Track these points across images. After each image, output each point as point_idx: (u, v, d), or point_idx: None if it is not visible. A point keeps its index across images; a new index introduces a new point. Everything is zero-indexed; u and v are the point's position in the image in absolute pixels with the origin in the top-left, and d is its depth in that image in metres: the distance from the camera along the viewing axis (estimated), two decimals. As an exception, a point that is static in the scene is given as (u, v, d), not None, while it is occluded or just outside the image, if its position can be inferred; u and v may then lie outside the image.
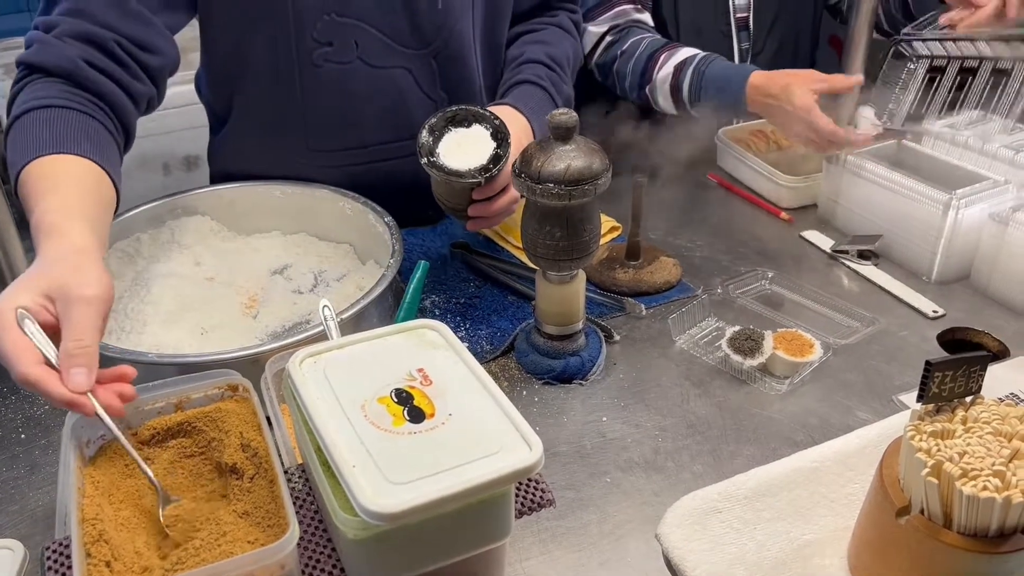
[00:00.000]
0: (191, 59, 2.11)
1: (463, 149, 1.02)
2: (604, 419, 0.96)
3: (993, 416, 0.65)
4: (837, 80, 1.26)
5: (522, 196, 0.93)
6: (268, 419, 0.76)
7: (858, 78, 1.26)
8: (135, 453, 0.63)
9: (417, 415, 0.65)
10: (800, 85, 1.24)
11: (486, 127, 1.04)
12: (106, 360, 0.90)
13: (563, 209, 0.91)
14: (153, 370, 0.87)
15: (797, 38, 1.60)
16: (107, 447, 0.67)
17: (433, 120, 1.03)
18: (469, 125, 1.04)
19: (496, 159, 1.02)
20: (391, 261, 1.04)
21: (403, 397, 0.67)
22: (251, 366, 0.86)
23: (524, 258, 1.22)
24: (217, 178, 1.31)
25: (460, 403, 0.67)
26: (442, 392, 0.67)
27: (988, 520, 0.61)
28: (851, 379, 1.01)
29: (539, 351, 1.02)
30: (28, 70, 0.95)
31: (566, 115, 0.89)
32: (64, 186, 0.82)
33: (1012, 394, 0.96)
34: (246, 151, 1.25)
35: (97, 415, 0.62)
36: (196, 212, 1.19)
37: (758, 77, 1.30)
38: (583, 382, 1.01)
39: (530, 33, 1.31)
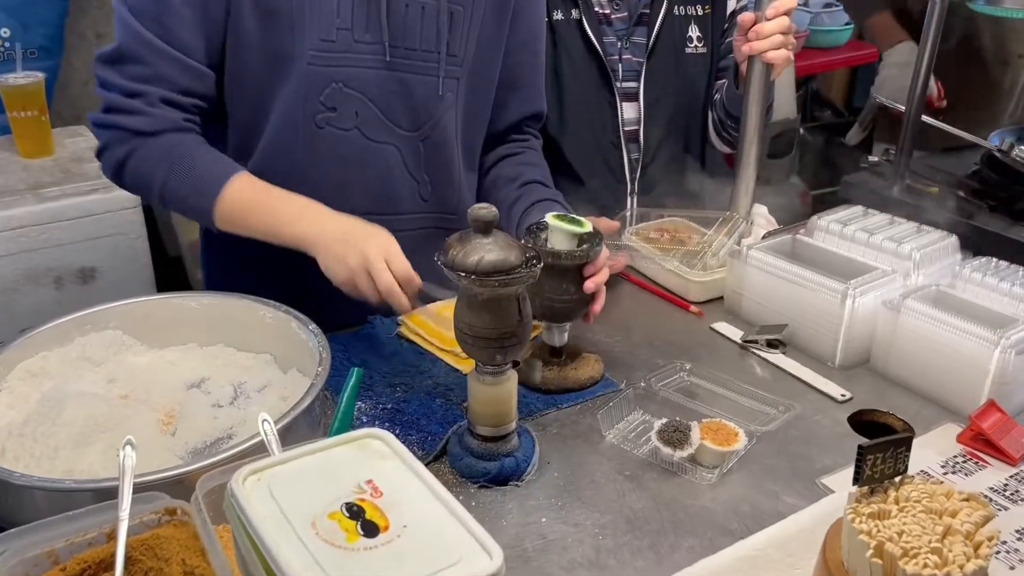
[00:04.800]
0: (88, 169, 2.07)
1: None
2: (543, 520, 0.96)
3: (922, 495, 0.69)
4: (602, 222, 1.46)
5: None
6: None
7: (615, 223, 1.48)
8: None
9: (371, 529, 0.64)
10: None
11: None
12: (15, 488, 0.85)
13: (487, 298, 0.93)
14: (69, 498, 0.82)
15: (686, 151, 1.69)
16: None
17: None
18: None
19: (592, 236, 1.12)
20: (319, 369, 1.03)
21: (354, 511, 0.65)
22: (175, 487, 0.82)
23: (449, 360, 1.23)
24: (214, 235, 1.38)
25: (414, 513, 0.65)
26: (394, 503, 0.66)
27: (930, 596, 0.63)
28: (775, 464, 1.05)
29: (473, 454, 1.02)
30: (131, 135, 1.15)
31: (485, 210, 0.93)
32: (267, 187, 1.18)
33: (923, 471, 1.02)
34: None
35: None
36: (107, 327, 1.15)
37: None
38: (519, 483, 1.01)
39: (515, 155, 1.44)
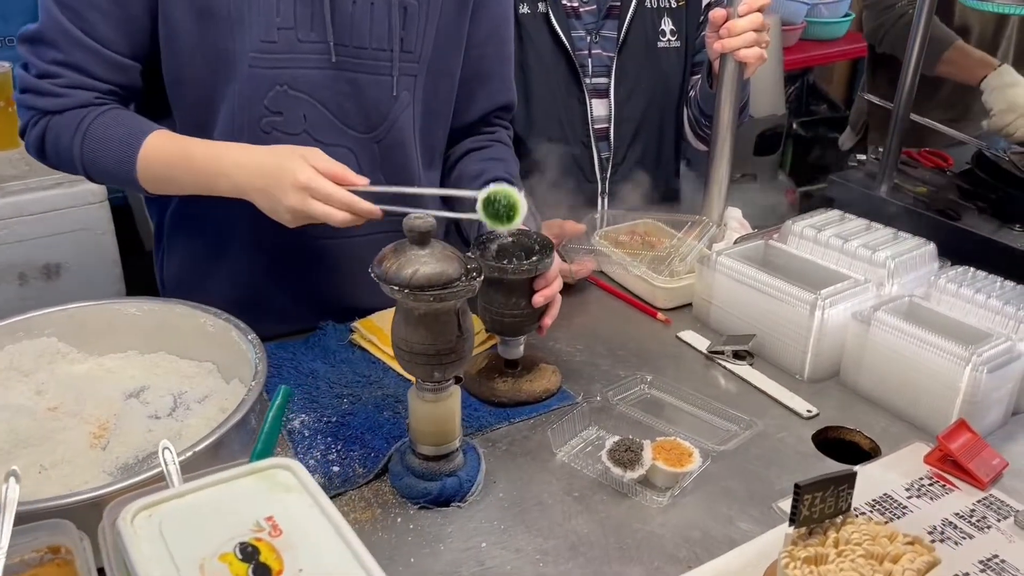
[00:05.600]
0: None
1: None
2: (483, 545, 0.91)
3: (864, 537, 0.64)
4: (567, 226, 1.45)
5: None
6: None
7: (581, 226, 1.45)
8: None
9: (263, 572, 0.59)
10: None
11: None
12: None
13: (423, 313, 0.89)
14: (-27, 523, 0.78)
15: (659, 150, 1.63)
16: None
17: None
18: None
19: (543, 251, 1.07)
20: (253, 384, 0.98)
21: (248, 552, 0.61)
22: (91, 510, 0.78)
23: (401, 369, 1.18)
24: (169, 249, 1.36)
25: (312, 556, 0.61)
26: (292, 544, 0.62)
27: (865, 651, 0.59)
28: (732, 486, 1.00)
29: (414, 473, 0.97)
30: (42, 114, 1.12)
31: (421, 219, 0.88)
32: (181, 144, 1.11)
33: (885, 495, 0.97)
34: (199, 213, 1.27)
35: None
36: (41, 334, 1.10)
37: None
38: (461, 504, 0.96)
39: (481, 149, 1.36)
